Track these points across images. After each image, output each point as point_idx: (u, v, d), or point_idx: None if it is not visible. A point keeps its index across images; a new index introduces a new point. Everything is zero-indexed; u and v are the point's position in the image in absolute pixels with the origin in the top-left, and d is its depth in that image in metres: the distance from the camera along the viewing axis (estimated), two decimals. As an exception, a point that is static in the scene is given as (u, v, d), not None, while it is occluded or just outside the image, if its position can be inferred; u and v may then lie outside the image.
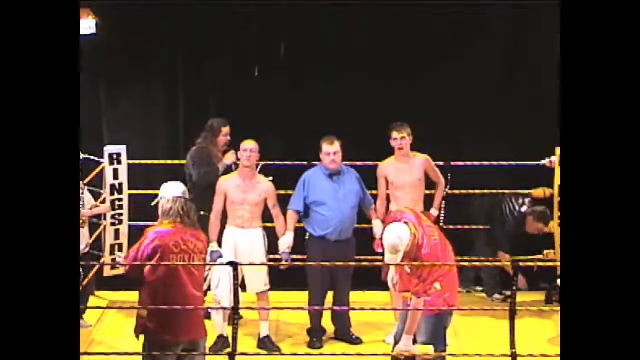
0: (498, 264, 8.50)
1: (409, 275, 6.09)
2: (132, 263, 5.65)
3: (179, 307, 5.59)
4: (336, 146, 7.56)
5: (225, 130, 8.20)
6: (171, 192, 5.76)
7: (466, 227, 8.76)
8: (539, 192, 8.69)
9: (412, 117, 7.99)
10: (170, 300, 5.60)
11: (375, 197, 7.94)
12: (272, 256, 7.80)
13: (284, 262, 7.52)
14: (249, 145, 7.59)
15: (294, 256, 7.97)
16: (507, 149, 8.86)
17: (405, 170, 7.83)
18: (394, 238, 5.97)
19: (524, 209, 8.57)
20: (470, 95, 9.14)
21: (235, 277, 6.00)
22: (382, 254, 7.81)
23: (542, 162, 8.63)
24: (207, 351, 7.28)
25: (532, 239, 8.70)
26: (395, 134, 7.80)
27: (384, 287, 8.56)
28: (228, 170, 8.03)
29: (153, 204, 5.93)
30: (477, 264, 8.61)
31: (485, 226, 8.77)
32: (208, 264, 7.35)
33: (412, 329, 6.02)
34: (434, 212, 8.07)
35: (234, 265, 6.08)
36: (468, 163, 8.55)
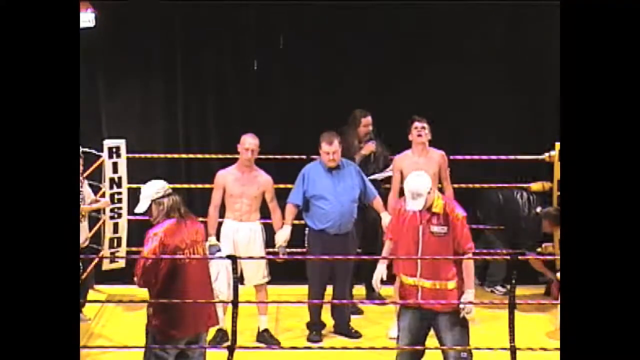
0: (500, 257, 8.50)
1: (446, 235, 6.03)
2: (144, 268, 5.60)
3: (180, 301, 5.59)
4: (335, 145, 7.56)
5: (365, 120, 8.24)
6: (161, 189, 5.77)
7: (483, 227, 8.76)
8: (538, 186, 8.70)
9: (412, 112, 7.98)
10: (181, 295, 5.61)
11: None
12: (269, 250, 7.82)
13: (281, 256, 7.54)
14: (251, 145, 7.55)
15: (295, 250, 7.99)
16: (507, 143, 8.87)
17: (421, 164, 7.80)
18: (414, 183, 6.00)
19: (538, 209, 8.55)
20: (471, 91, 9.14)
21: (234, 270, 6.00)
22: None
23: (542, 156, 8.62)
24: (207, 344, 7.32)
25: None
26: (416, 123, 7.77)
27: (384, 281, 8.60)
28: (366, 160, 8.14)
29: (142, 210, 5.84)
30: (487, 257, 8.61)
31: (497, 223, 8.75)
32: (207, 257, 7.36)
33: (471, 284, 6.04)
34: None
35: (232, 259, 6.08)
36: (467, 157, 8.54)
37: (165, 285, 5.60)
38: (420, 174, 6.12)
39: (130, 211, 8.62)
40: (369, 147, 8.23)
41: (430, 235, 6.06)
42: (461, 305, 6.01)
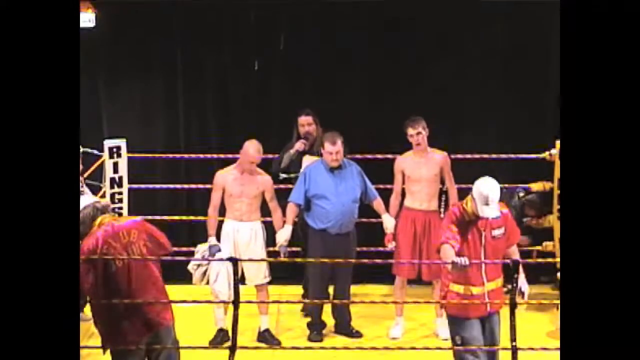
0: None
1: (503, 235, 5.98)
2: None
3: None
4: (338, 145, 7.57)
5: (301, 120, 8.18)
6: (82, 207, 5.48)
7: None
8: (538, 186, 8.68)
9: (413, 111, 7.96)
10: (124, 298, 5.43)
11: (378, 190, 7.92)
12: (270, 249, 7.82)
13: (281, 255, 7.55)
14: (256, 159, 7.54)
15: (295, 249, 8.00)
16: (508, 142, 8.86)
17: (423, 164, 7.78)
18: (487, 188, 5.83)
19: (521, 193, 8.66)
20: (471, 89, 9.14)
21: (235, 272, 5.99)
22: (394, 248, 7.83)
23: (542, 155, 8.61)
24: (207, 344, 7.32)
25: (531, 230, 8.75)
26: (410, 130, 7.71)
27: (384, 280, 8.60)
28: (297, 157, 8.08)
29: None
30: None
31: None
32: (208, 259, 7.35)
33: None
34: None
35: (233, 260, 6.08)
36: (468, 156, 8.53)
37: (101, 294, 5.40)
38: (489, 179, 5.93)
39: (131, 211, 8.63)
40: (295, 146, 8.16)
41: (491, 239, 5.95)
42: (522, 289, 5.98)
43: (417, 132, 7.71)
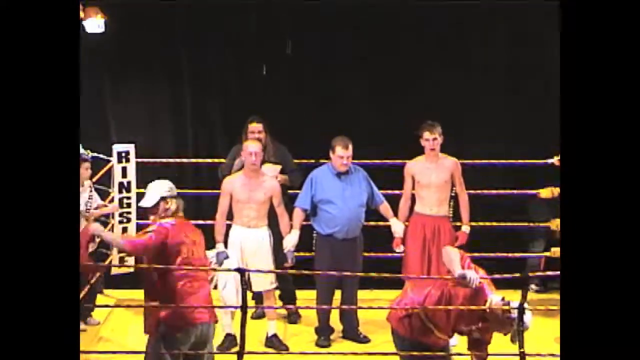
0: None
1: None
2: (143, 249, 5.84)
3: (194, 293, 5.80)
4: (350, 150, 7.58)
5: (252, 127, 8.04)
6: (171, 189, 6.00)
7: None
8: (546, 192, 8.66)
9: (418, 116, 7.97)
10: (183, 287, 5.81)
11: (384, 196, 7.91)
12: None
13: (288, 261, 7.56)
14: (254, 149, 7.55)
15: (303, 254, 8.00)
16: (515, 147, 8.85)
17: (433, 169, 7.75)
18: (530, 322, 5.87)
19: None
20: (477, 93, 9.13)
21: (243, 281, 6.01)
22: (402, 253, 7.83)
23: (550, 160, 8.59)
24: (215, 350, 7.33)
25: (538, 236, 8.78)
26: (427, 135, 7.69)
27: (392, 285, 8.59)
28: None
29: (150, 204, 5.99)
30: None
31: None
32: (215, 269, 7.35)
33: None
34: (466, 228, 7.85)
35: (241, 271, 6.13)
36: (476, 162, 8.52)
37: (168, 276, 5.79)
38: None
39: (139, 216, 8.65)
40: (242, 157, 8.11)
41: None
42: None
43: (434, 138, 7.70)
